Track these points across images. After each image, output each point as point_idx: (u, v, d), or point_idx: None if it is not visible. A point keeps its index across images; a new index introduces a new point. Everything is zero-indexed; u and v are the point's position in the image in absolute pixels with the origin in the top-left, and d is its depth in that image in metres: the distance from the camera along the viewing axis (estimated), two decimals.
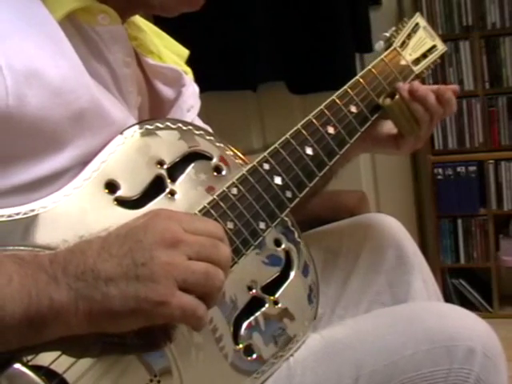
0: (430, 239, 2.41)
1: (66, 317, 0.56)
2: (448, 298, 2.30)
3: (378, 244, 0.98)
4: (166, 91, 0.86)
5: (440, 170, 2.28)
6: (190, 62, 0.94)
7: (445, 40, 2.33)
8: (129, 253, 0.58)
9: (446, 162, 2.28)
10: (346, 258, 1.00)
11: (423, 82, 1.03)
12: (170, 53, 0.88)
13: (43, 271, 0.56)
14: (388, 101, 0.92)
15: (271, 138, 2.38)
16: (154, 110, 0.87)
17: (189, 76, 0.91)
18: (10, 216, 0.61)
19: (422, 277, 0.97)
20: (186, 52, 0.92)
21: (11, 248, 0.60)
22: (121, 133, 0.70)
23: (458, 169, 2.27)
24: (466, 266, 2.36)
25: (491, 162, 2.24)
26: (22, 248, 0.61)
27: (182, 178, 0.73)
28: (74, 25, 0.70)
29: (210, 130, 0.87)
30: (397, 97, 0.92)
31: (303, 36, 2.17)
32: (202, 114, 0.93)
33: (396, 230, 1.01)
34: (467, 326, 0.77)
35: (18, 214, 0.62)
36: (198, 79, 0.94)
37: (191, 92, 0.89)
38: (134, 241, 0.59)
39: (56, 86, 0.63)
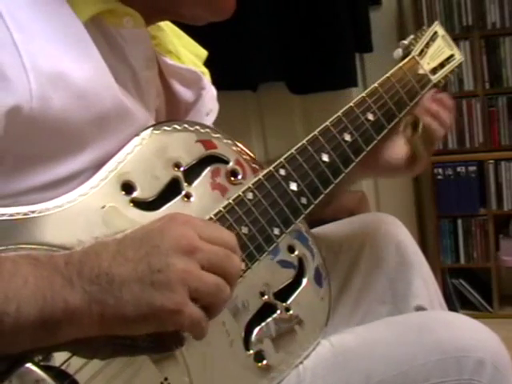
0: (430, 239, 2.41)
1: (79, 319, 0.56)
2: (448, 298, 2.30)
3: (379, 243, 0.98)
4: (184, 92, 0.85)
5: (440, 170, 2.28)
6: None
7: None
8: (145, 258, 0.57)
9: (445, 161, 2.27)
10: (347, 258, 1.00)
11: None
12: (188, 53, 0.87)
13: (59, 273, 0.56)
14: (411, 133, 0.93)
15: (271, 139, 2.38)
16: (171, 111, 0.86)
17: (206, 77, 0.90)
18: (25, 214, 0.61)
19: (423, 276, 0.97)
20: (204, 53, 0.91)
21: (26, 246, 0.60)
22: (137, 134, 0.70)
23: (458, 169, 2.27)
24: (466, 266, 2.37)
25: (491, 162, 2.25)
26: (35, 246, 0.60)
27: (198, 181, 0.72)
28: (98, 26, 0.69)
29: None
30: (420, 128, 0.92)
31: (303, 36, 2.16)
32: None
33: (396, 229, 1.01)
34: (477, 337, 0.78)
35: (33, 212, 0.61)
36: None
37: (210, 95, 0.89)
38: (151, 245, 0.58)
39: (80, 89, 0.62)
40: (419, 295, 0.95)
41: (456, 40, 2.14)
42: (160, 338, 0.62)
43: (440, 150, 2.28)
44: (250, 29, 2.13)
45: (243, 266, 0.71)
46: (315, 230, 1.04)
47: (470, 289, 2.35)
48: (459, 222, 2.32)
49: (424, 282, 0.97)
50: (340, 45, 2.15)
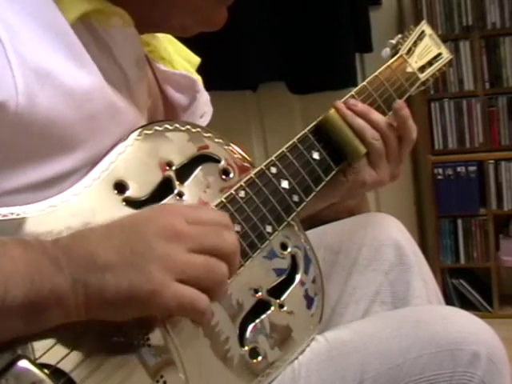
0: (430, 239, 2.41)
1: (66, 300, 0.56)
2: (448, 298, 2.30)
3: (378, 243, 0.98)
4: (179, 98, 0.85)
5: (440, 170, 2.28)
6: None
7: (445, 40, 2.33)
8: (128, 242, 0.58)
9: (445, 162, 2.28)
10: (346, 257, 1.00)
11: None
12: (181, 59, 0.87)
13: (46, 254, 0.56)
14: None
15: (271, 138, 2.38)
16: (167, 116, 0.86)
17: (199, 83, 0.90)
18: (18, 214, 0.61)
19: (422, 276, 0.97)
20: (197, 60, 0.92)
21: None
22: (128, 134, 0.70)
23: (458, 169, 2.27)
24: (466, 266, 2.37)
25: (491, 162, 2.25)
26: None
27: (190, 180, 0.73)
28: (86, 26, 0.69)
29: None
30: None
31: (303, 36, 2.17)
32: None
33: (396, 229, 1.00)
34: (472, 330, 0.77)
35: (26, 212, 0.61)
36: None
37: (205, 99, 0.89)
38: (135, 231, 0.59)
39: (69, 87, 0.62)
40: (419, 295, 0.95)
41: (456, 40, 2.18)
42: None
43: (440, 150, 2.29)
44: (250, 29, 2.14)
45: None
46: (315, 230, 1.04)
47: (469, 289, 2.35)
48: (459, 221, 2.32)
49: (423, 282, 0.96)
50: (340, 45, 2.15)
